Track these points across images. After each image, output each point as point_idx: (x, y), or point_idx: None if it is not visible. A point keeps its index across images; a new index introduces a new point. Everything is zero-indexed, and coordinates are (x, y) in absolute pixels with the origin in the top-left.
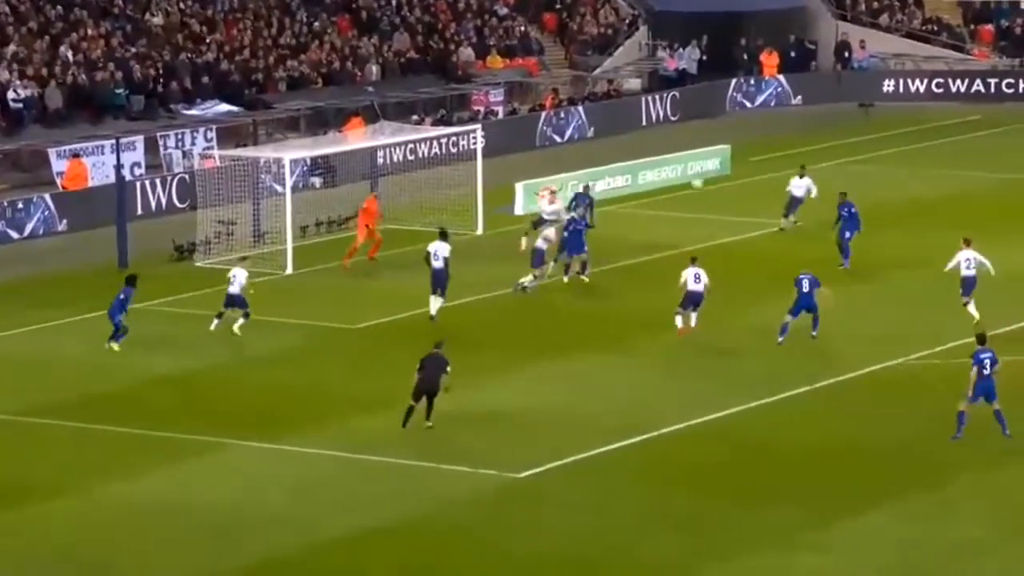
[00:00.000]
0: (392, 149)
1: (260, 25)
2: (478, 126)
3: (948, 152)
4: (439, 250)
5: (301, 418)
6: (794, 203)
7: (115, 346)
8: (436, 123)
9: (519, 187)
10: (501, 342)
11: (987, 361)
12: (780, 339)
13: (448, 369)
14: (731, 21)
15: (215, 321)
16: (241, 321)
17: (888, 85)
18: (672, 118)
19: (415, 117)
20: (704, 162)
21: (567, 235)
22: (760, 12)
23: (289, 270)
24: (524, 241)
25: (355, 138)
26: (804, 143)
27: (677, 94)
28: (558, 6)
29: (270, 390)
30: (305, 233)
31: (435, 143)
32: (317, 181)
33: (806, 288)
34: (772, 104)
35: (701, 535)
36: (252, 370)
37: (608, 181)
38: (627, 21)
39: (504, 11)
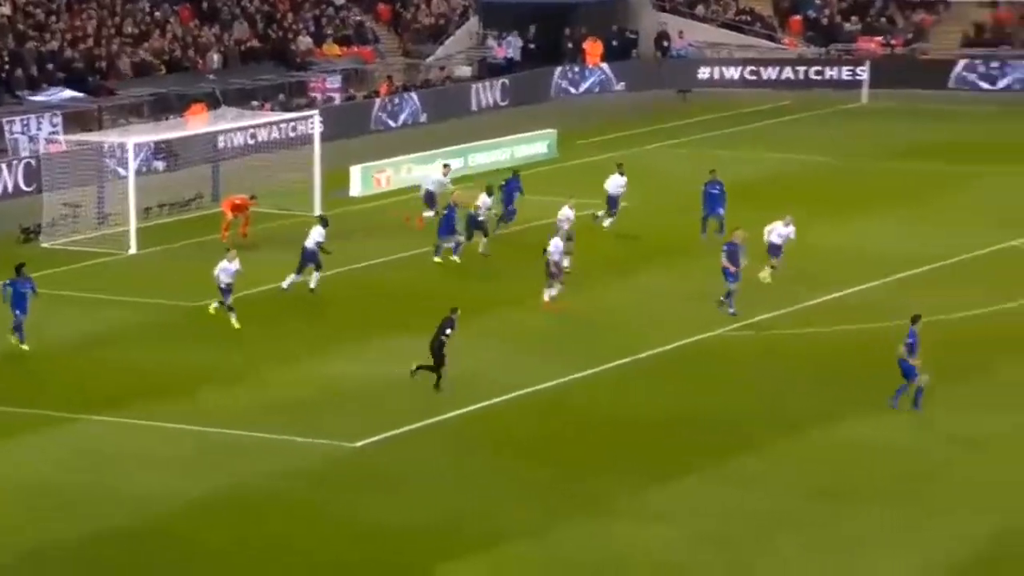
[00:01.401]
0: (233, 134)
1: (104, 14)
2: (315, 112)
3: (761, 135)
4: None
5: (145, 393)
6: (612, 201)
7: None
8: (275, 109)
9: (355, 170)
10: (342, 317)
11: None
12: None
13: (447, 332)
14: (557, 11)
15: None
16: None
17: (704, 72)
18: (501, 104)
19: (255, 103)
20: (531, 145)
21: (443, 218)
22: (584, 3)
23: (133, 250)
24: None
25: (197, 123)
26: (627, 127)
27: (506, 81)
28: None
29: (115, 366)
30: (148, 215)
31: (274, 128)
32: (160, 165)
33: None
34: (596, 90)
35: (525, 503)
36: (97, 348)
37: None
38: (458, 11)
39: (340, 1)
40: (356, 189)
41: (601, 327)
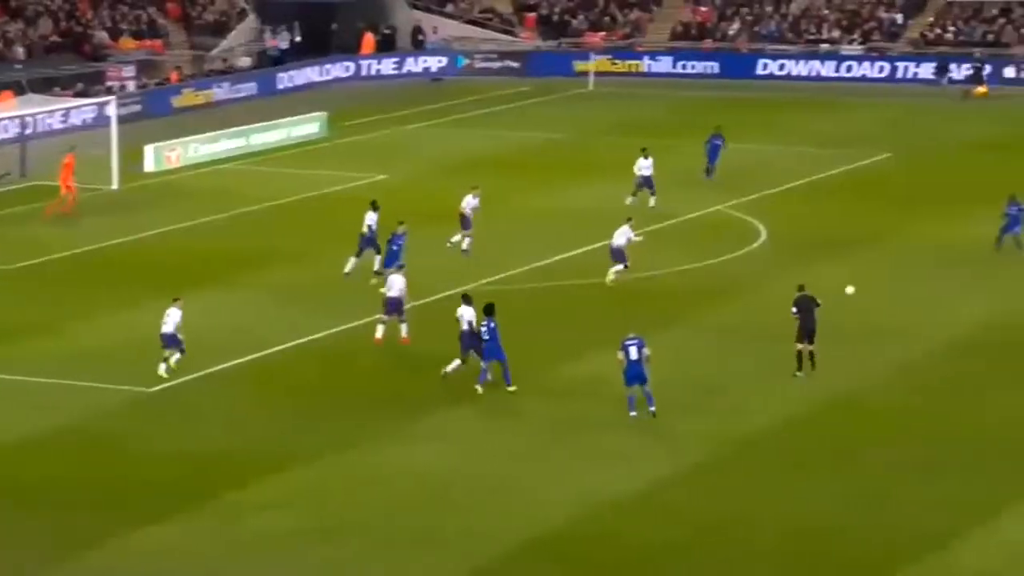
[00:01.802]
0: (39, 118)
1: None
2: (112, 98)
3: (505, 117)
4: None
5: None
6: (645, 182)
7: None
8: (76, 95)
9: (148, 149)
10: (138, 279)
11: (632, 348)
12: None
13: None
14: (323, 8)
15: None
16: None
17: (500, 62)
18: (319, 81)
19: (58, 90)
20: (305, 126)
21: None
22: (347, 1)
23: None
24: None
25: (5, 108)
26: (389, 110)
27: (290, 72)
28: None
29: None
30: None
31: (76, 112)
32: None
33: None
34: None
35: (302, 436)
36: None
37: (226, 143)
38: (238, 9)
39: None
40: (150, 165)
41: (362, 283)
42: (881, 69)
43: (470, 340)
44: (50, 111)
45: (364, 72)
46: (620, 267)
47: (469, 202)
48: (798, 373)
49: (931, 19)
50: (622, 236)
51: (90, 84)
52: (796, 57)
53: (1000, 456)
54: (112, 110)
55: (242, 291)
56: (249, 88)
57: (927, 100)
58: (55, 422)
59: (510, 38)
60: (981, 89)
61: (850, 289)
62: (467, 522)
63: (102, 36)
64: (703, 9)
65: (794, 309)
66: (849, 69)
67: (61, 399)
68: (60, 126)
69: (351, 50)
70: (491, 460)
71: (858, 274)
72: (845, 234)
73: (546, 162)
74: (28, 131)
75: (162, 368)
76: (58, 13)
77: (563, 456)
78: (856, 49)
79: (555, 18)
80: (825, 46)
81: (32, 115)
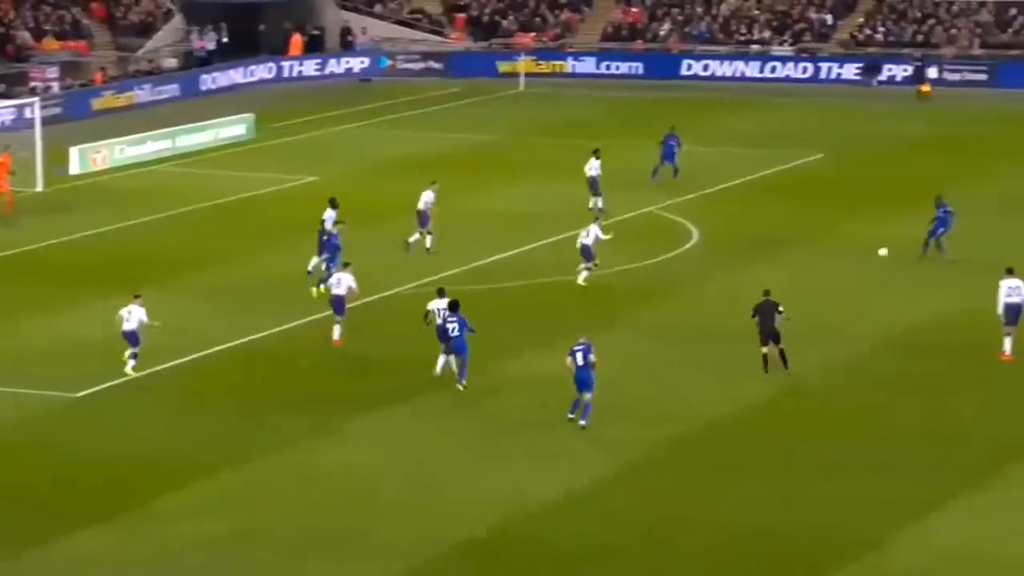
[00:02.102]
0: None
1: None
2: (36, 99)
3: (434, 118)
4: (329, 217)
5: None
6: (591, 183)
7: None
8: None
9: (73, 151)
10: (68, 282)
11: (579, 353)
12: None
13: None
14: (250, 9)
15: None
16: (132, 363)
17: (423, 63)
18: (243, 83)
19: None
20: (233, 128)
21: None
22: (274, 2)
23: None
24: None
25: None
26: (318, 111)
27: (213, 74)
28: None
29: None
30: None
31: None
32: None
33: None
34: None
35: (233, 439)
36: None
37: (152, 145)
38: (164, 9)
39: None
40: (75, 167)
41: (297, 284)
42: (805, 70)
43: (445, 334)
44: None
45: (287, 74)
46: (588, 265)
47: (426, 197)
48: (766, 373)
49: (861, 20)
50: (590, 235)
51: (12, 85)
52: (721, 58)
53: (932, 456)
54: (36, 111)
55: (176, 293)
56: (172, 90)
57: (856, 101)
58: None
59: (439, 39)
60: (925, 88)
61: (883, 251)
62: (400, 523)
63: (25, 36)
64: (633, 10)
65: (752, 314)
66: (774, 70)
67: None
68: None
69: (279, 51)
70: (426, 461)
71: (793, 275)
72: (778, 234)
73: (478, 163)
74: None
75: (130, 366)
76: None
77: (497, 457)
78: (786, 50)
79: (485, 19)
80: (755, 47)
81: None
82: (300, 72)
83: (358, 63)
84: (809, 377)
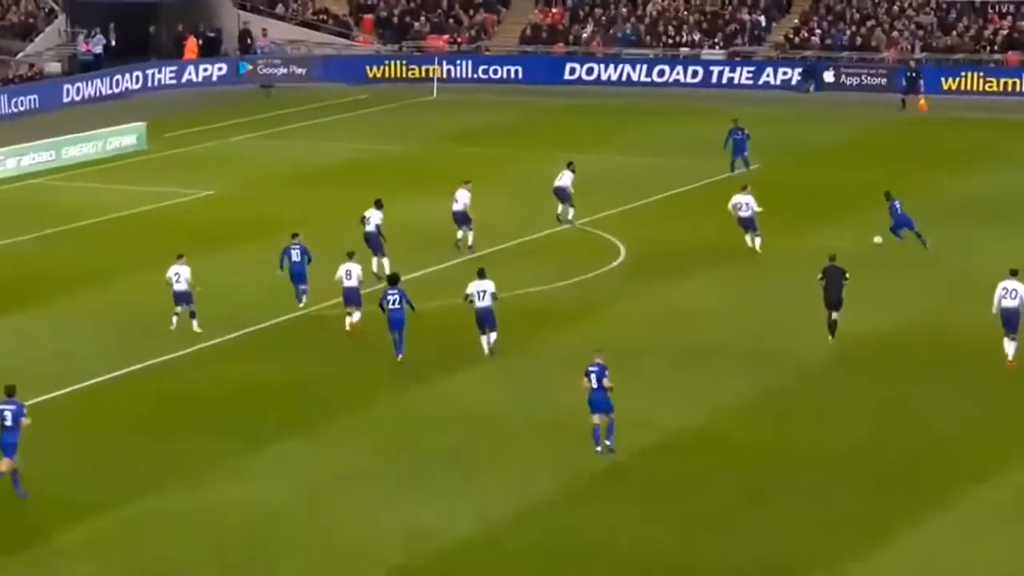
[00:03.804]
0: None
1: None
2: None
3: (339, 127)
4: (372, 217)
5: None
6: (562, 195)
7: None
8: None
9: None
10: None
11: (593, 375)
12: None
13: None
14: (141, 10)
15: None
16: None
17: (285, 68)
18: (92, 98)
19: None
20: (122, 138)
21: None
22: (165, 2)
23: None
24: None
25: None
26: (214, 120)
27: (101, 78)
28: None
29: None
30: None
31: None
32: None
33: (295, 257)
34: (190, 84)
35: (128, 473)
36: None
37: (33, 156)
38: (46, 10)
39: None
40: None
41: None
42: (738, 74)
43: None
44: None
45: (150, 83)
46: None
47: (462, 197)
48: (830, 338)
49: (796, 22)
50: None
51: None
52: (605, 61)
53: (847, 483)
54: None
55: (57, 316)
56: (30, 101)
57: (793, 107)
58: None
59: (346, 41)
60: (921, 102)
61: (878, 239)
62: (301, 561)
63: None
64: (553, 11)
65: (820, 277)
66: (701, 74)
67: None
68: None
69: (172, 55)
70: (328, 494)
71: (725, 290)
72: (708, 249)
73: (386, 174)
74: None
75: (195, 324)
76: None
77: (404, 489)
78: (718, 54)
79: (395, 20)
80: (685, 50)
81: None
82: (158, 81)
83: (216, 70)
84: (733, 401)
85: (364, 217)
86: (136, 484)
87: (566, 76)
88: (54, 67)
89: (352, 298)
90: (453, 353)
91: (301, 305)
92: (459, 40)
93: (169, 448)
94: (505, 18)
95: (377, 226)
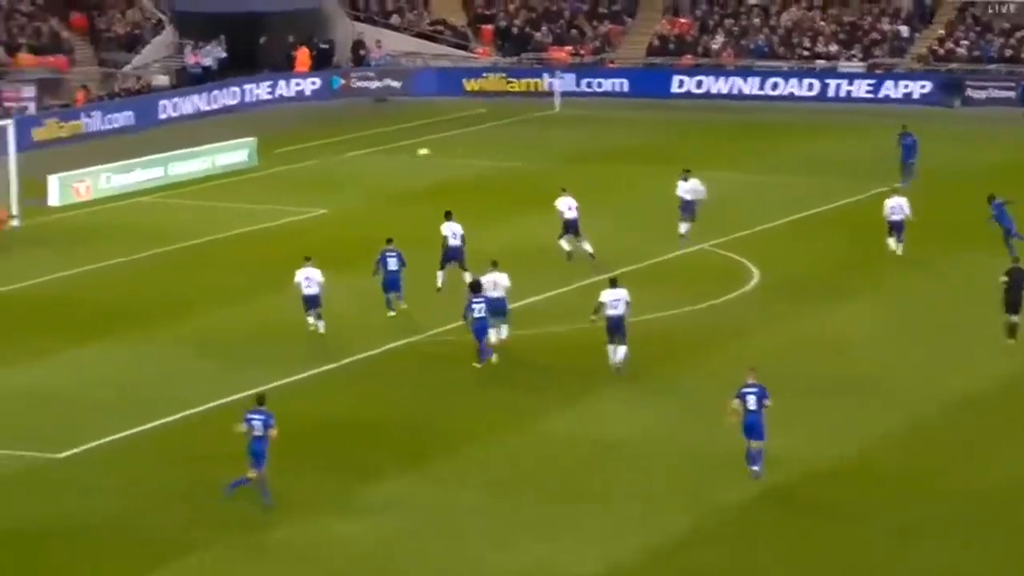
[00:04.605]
0: None
1: None
2: (10, 121)
3: (457, 143)
4: (455, 230)
5: None
6: (687, 207)
7: None
8: None
9: (52, 180)
10: (40, 329)
11: (752, 396)
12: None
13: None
14: (250, 21)
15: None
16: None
17: (379, 81)
18: (206, 110)
19: None
20: (232, 154)
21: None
22: (277, 13)
23: None
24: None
25: None
26: (326, 135)
27: (210, 91)
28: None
29: None
30: None
31: None
32: None
33: (392, 265)
34: (307, 98)
35: (231, 506)
36: None
37: (141, 173)
38: (153, 21)
39: (31, 9)
40: (54, 199)
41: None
42: (875, 88)
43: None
44: None
45: (248, 98)
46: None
47: (568, 204)
48: (1009, 341)
49: (941, 32)
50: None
51: None
52: (736, 74)
53: (1003, 525)
54: (10, 136)
55: (161, 341)
56: (125, 118)
57: (937, 124)
58: None
59: (464, 53)
60: None
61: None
62: None
63: None
64: (682, 20)
65: (1004, 278)
66: (840, 89)
67: None
68: None
69: (282, 67)
70: (441, 531)
71: (869, 317)
72: (848, 272)
73: (504, 193)
74: None
75: (320, 327)
76: None
77: (523, 525)
78: (856, 66)
79: (515, 31)
80: (821, 62)
81: None
82: (256, 96)
83: (309, 84)
84: (873, 437)
85: (446, 236)
86: (239, 518)
87: (693, 89)
88: (161, 80)
89: (498, 312)
90: (575, 380)
91: (392, 314)
92: (582, 52)
93: (274, 481)
94: (631, 29)
95: (462, 237)
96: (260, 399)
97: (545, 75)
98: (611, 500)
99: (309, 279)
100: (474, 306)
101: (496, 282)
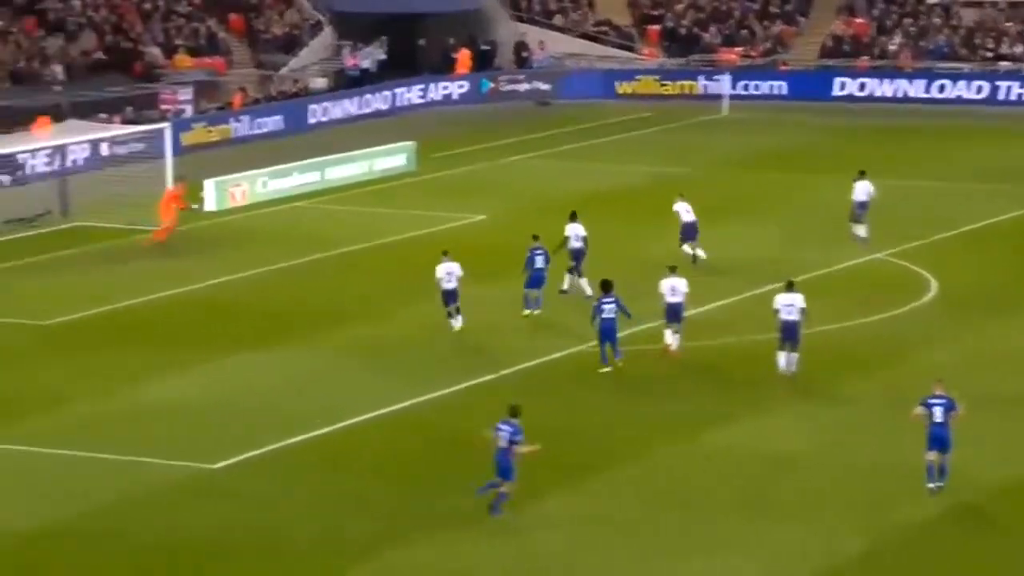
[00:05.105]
0: (81, 147)
1: None
2: (167, 124)
3: (620, 147)
4: (578, 232)
5: None
6: (859, 208)
7: None
8: (124, 122)
9: (208, 184)
10: (195, 336)
11: (939, 407)
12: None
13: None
14: (410, 22)
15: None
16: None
17: (564, 83)
18: (357, 115)
19: (103, 115)
20: (391, 158)
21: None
22: (438, 13)
23: None
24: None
25: (42, 137)
26: (487, 140)
27: (361, 95)
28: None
29: None
30: None
31: (126, 141)
32: (5, 179)
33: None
34: (455, 101)
35: (390, 520)
36: None
37: (297, 178)
38: (311, 22)
39: (189, 10)
40: (211, 204)
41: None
42: None
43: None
44: (95, 140)
45: (399, 102)
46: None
47: (684, 207)
48: None
49: None
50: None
51: (141, 108)
52: (913, 76)
53: None
54: (167, 139)
55: (319, 350)
56: (275, 123)
57: None
58: (85, 505)
59: (629, 54)
60: None
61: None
62: None
63: (154, 53)
64: (858, 20)
65: None
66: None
67: (95, 476)
68: (104, 156)
69: (441, 69)
70: (602, 549)
71: None
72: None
73: (666, 200)
74: (69, 163)
75: (458, 323)
76: (103, 26)
77: (684, 545)
78: None
79: (683, 31)
80: (1006, 64)
81: (74, 144)
82: (407, 100)
83: (456, 88)
84: None
85: (568, 237)
86: (397, 533)
87: (855, 92)
88: (319, 83)
89: (674, 314)
90: (742, 392)
91: (530, 312)
92: (752, 53)
93: (434, 497)
94: (804, 29)
95: (584, 239)
96: (514, 411)
97: (700, 78)
98: (778, 518)
99: (450, 273)
100: (604, 306)
101: (675, 287)
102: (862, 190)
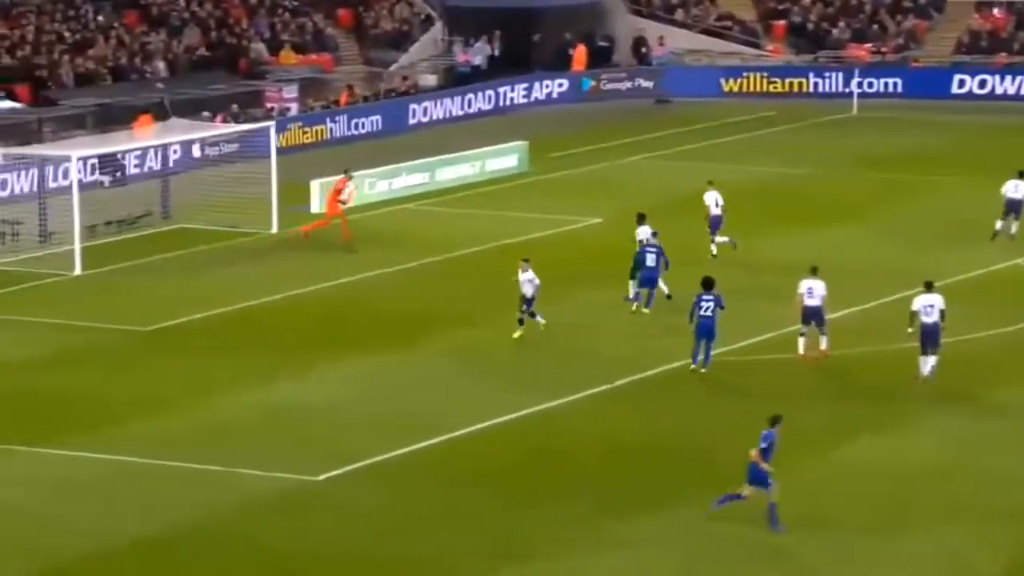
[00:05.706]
0: (183, 146)
1: (44, 19)
2: (272, 123)
3: (743, 147)
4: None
5: (90, 422)
6: (1012, 205)
7: None
8: (228, 120)
9: (315, 184)
10: (298, 341)
11: None
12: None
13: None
14: (524, 17)
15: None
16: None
17: (685, 80)
18: (459, 115)
19: (206, 114)
20: (502, 159)
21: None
22: (553, 7)
23: (78, 271)
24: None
25: (145, 135)
26: (602, 139)
27: (463, 94)
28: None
29: (59, 394)
30: (94, 233)
31: (228, 140)
32: (106, 180)
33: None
34: (572, 98)
35: (501, 536)
36: (39, 374)
37: (406, 179)
38: (422, 17)
39: (296, 5)
40: (316, 204)
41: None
42: None
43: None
44: (198, 139)
45: (502, 101)
46: None
47: (715, 199)
48: None
49: None
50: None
51: (245, 106)
52: (1001, 73)
53: None
54: (272, 138)
55: (419, 358)
56: (372, 123)
57: None
58: (181, 516)
59: (754, 51)
60: None
61: None
62: None
63: (259, 49)
64: (996, 15)
65: None
66: None
67: (211, 487)
68: (207, 155)
69: (554, 65)
70: (716, 568)
71: None
72: None
73: (794, 201)
74: (171, 163)
75: (519, 331)
76: (208, 22)
77: (814, 565)
78: None
79: (810, 27)
80: None
81: (176, 144)
82: (511, 99)
83: (556, 85)
84: None
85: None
86: (511, 549)
87: (975, 89)
88: (429, 79)
89: (812, 317)
90: (880, 403)
91: (634, 308)
92: (883, 50)
93: (536, 511)
94: (938, 24)
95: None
96: (773, 420)
97: (811, 74)
98: (917, 535)
99: (533, 281)
100: (703, 303)
101: (812, 289)
102: (1015, 187)
